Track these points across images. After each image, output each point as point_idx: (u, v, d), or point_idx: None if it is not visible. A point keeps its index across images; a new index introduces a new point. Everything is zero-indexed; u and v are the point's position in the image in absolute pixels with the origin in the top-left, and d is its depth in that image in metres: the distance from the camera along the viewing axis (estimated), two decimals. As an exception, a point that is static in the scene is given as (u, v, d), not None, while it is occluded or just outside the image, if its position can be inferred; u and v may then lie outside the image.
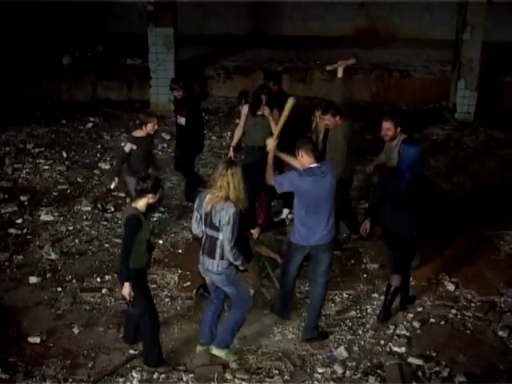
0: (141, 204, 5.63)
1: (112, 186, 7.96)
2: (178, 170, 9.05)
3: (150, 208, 8.44)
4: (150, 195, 5.62)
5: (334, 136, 7.37)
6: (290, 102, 6.24)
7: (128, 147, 7.65)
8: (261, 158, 8.08)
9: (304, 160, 5.91)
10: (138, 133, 7.68)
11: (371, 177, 8.15)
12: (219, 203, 5.50)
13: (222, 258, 5.63)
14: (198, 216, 5.71)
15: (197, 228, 5.78)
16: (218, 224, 5.52)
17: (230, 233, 5.51)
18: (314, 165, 5.89)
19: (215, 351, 5.98)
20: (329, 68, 8.77)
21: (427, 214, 6.28)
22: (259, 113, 8.03)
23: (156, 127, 7.67)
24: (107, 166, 10.08)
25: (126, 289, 5.59)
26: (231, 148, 8.47)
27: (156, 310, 5.95)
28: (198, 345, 6.12)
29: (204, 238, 5.73)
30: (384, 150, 7.35)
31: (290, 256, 6.32)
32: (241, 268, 5.82)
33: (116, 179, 7.83)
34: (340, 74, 8.18)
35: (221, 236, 5.55)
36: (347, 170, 7.47)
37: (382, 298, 6.97)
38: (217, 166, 5.72)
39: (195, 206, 5.73)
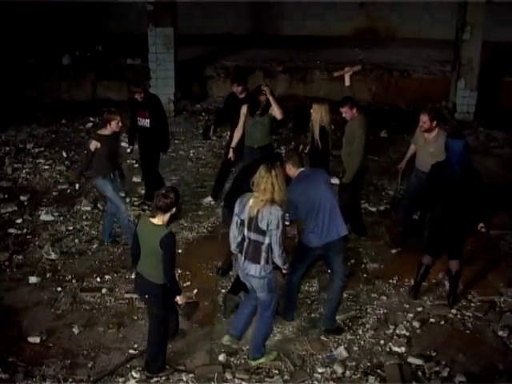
0: (166, 219, 5.53)
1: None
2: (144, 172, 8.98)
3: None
4: (174, 208, 5.55)
5: (351, 129, 7.57)
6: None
7: (93, 145, 7.48)
8: (260, 157, 8.11)
9: (292, 172, 6.09)
10: (103, 131, 7.55)
11: (404, 173, 8.21)
12: (265, 207, 5.43)
13: (267, 262, 5.58)
14: (239, 221, 5.62)
15: (237, 234, 5.68)
16: (264, 228, 5.45)
17: (280, 237, 5.48)
18: (301, 169, 6.10)
19: (255, 363, 5.97)
20: (336, 74, 8.79)
21: (477, 204, 6.52)
22: (258, 112, 8.07)
23: (120, 124, 7.52)
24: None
25: (182, 298, 5.71)
26: (231, 149, 8.47)
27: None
28: (226, 335, 6.16)
29: (246, 243, 5.63)
30: (414, 138, 7.73)
31: (300, 256, 6.35)
32: (284, 272, 5.83)
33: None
34: (347, 82, 8.23)
35: (266, 240, 5.50)
36: (363, 163, 7.60)
37: (382, 297, 6.98)
38: (259, 169, 5.55)
39: (236, 210, 5.62)
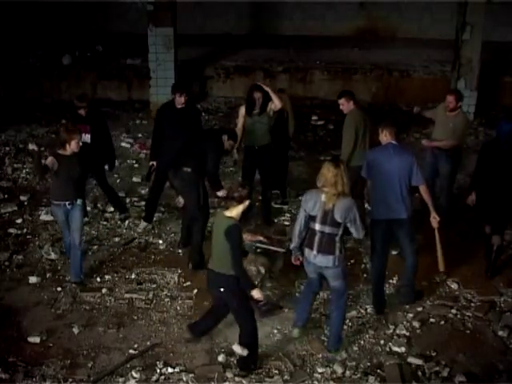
0: (238, 211, 5.69)
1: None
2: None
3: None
4: (247, 202, 5.70)
5: (345, 122, 7.82)
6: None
7: (50, 162, 6.70)
8: (260, 157, 8.13)
9: (385, 138, 6.61)
10: (62, 151, 6.82)
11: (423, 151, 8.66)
12: (339, 200, 5.71)
13: (340, 251, 5.88)
14: (307, 216, 5.87)
15: (303, 230, 5.93)
16: (340, 220, 5.74)
17: (360, 223, 5.82)
18: (392, 141, 6.55)
19: (336, 354, 6.13)
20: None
21: None
22: (255, 111, 8.05)
23: (80, 144, 6.86)
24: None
25: (259, 292, 5.82)
26: (234, 150, 8.37)
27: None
28: (295, 329, 6.31)
29: (319, 237, 5.85)
30: (433, 112, 8.61)
31: (372, 233, 6.70)
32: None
33: None
34: None
35: (340, 231, 5.80)
36: (353, 158, 7.66)
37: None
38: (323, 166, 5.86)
39: (304, 207, 5.87)
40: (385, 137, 6.61)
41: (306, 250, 5.95)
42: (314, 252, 5.87)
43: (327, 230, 5.79)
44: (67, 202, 6.85)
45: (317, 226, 5.81)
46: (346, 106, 7.76)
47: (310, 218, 5.84)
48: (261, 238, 7.14)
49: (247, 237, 7.18)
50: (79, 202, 6.95)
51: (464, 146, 8.58)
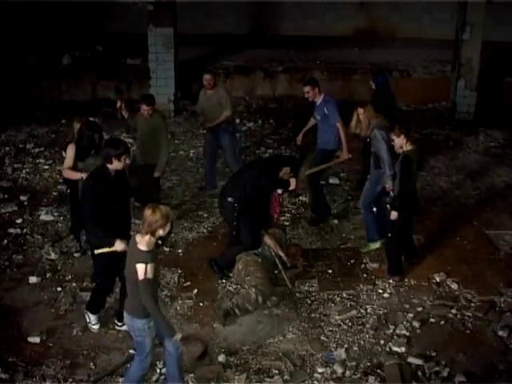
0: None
1: None
2: None
3: None
4: None
5: (155, 123, 8.28)
6: None
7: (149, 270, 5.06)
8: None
9: (320, 94, 8.31)
10: (147, 245, 5.09)
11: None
12: None
13: None
14: None
15: None
16: None
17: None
18: (323, 94, 8.35)
19: (373, 246, 7.75)
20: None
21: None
22: (92, 153, 6.94)
23: None
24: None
25: None
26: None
27: None
28: (368, 243, 7.79)
29: None
30: (200, 96, 9.23)
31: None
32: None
33: None
34: None
35: None
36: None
37: (382, 297, 6.99)
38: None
39: (386, 138, 7.43)
40: (319, 93, 8.24)
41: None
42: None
43: None
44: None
45: None
46: (148, 110, 8.20)
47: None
48: (282, 255, 7.07)
49: (270, 243, 7.15)
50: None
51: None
